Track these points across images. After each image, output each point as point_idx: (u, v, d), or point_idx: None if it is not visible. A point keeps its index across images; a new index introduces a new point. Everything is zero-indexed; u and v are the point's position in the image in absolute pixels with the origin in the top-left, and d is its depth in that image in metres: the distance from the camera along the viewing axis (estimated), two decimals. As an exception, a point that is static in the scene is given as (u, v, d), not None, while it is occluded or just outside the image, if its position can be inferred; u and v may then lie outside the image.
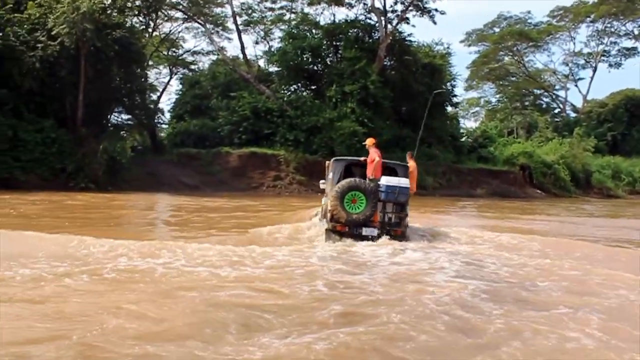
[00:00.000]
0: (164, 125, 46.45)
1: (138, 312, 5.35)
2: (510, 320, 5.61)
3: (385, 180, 10.46)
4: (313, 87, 41.15)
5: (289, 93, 39.33)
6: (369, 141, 11.19)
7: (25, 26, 27.07)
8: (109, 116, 32.87)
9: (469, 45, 61.13)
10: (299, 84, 41.47)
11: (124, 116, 38.69)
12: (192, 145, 36.39)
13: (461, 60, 66.51)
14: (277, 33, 45.32)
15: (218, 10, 42.89)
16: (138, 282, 6.68)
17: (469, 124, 68.29)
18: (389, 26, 38.19)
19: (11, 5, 27.71)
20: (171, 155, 35.02)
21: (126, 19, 29.89)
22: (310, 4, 42.08)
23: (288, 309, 5.72)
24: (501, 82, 64.77)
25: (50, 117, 27.20)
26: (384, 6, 38.00)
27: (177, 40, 47.73)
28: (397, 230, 10.55)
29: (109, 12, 28.38)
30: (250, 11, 44.63)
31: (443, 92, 41.38)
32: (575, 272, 8.53)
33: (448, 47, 44.90)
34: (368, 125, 34.84)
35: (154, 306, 5.58)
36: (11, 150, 25.26)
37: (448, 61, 43.66)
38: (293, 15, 44.17)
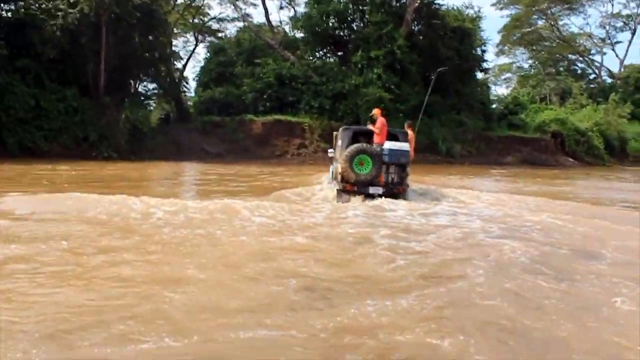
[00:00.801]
0: (190, 94, 46.45)
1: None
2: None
3: (388, 145, 11.82)
4: (339, 53, 40.33)
5: (314, 59, 38.59)
6: (376, 111, 12.87)
7: (47, -6, 26.80)
8: (132, 84, 32.60)
9: (501, 9, 59.02)
10: (325, 50, 40.73)
11: (150, 85, 38.78)
12: (216, 113, 36.05)
13: (492, 25, 64.46)
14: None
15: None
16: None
17: (500, 90, 66.91)
18: (417, -12, 36.95)
19: (34, -26, 27.47)
20: (196, 123, 34.76)
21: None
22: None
23: (365, 279, 5.78)
24: (534, 47, 62.74)
25: (72, 85, 27.00)
26: (411, -32, 36.65)
27: (202, 7, 47.17)
28: (399, 189, 11.93)
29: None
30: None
31: (474, 57, 40.31)
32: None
33: (479, 11, 43.65)
34: (394, 91, 34.10)
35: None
36: (34, 119, 25.20)
37: (478, 25, 42.16)
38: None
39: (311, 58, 38.21)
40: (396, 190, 11.82)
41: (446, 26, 37.87)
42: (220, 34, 48.67)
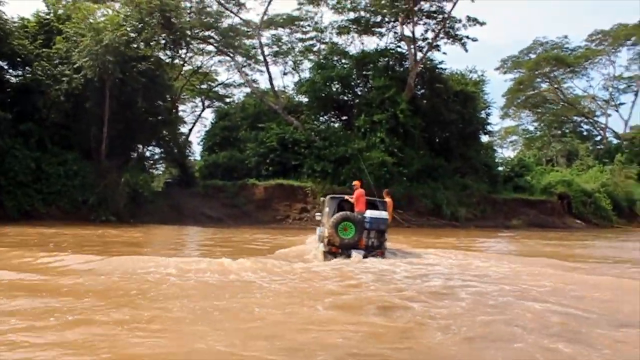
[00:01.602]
0: (197, 158, 46.65)
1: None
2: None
3: (369, 213, 13.22)
4: (343, 118, 40.67)
5: (318, 124, 38.77)
6: (356, 183, 14.10)
7: (54, 60, 27.26)
8: (136, 149, 32.72)
9: (504, 73, 59.72)
10: (329, 115, 41.04)
11: (156, 149, 39.01)
12: (220, 177, 36.01)
13: (497, 89, 65.20)
14: (307, 64, 45.05)
15: (249, 42, 42.94)
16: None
17: (507, 153, 66.73)
18: (419, 54, 37.45)
19: (41, 41, 28.04)
20: (198, 187, 34.69)
21: (153, 52, 29.73)
22: (339, 34, 41.64)
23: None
24: (539, 110, 63.14)
25: (74, 149, 27.13)
26: (413, 34, 37.25)
27: (210, 73, 48.00)
28: (378, 252, 13.20)
29: (135, 45, 28.28)
30: (279, 43, 44.53)
31: (478, 120, 40.38)
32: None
33: (482, 75, 43.87)
34: (398, 155, 34.04)
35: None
36: (34, 182, 25.20)
37: (481, 89, 42.54)
38: (323, 46, 43.88)
39: (315, 123, 38.29)
40: (375, 254, 13.07)
41: (449, 90, 38.16)
42: (228, 99, 49.33)
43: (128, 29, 27.12)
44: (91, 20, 26.19)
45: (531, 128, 67.69)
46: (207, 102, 51.05)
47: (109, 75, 26.18)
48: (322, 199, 16.04)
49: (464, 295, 8.90)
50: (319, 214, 15.55)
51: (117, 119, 28.07)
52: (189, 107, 52.47)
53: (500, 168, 45.34)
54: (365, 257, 12.77)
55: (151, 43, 29.54)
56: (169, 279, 9.52)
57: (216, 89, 49.85)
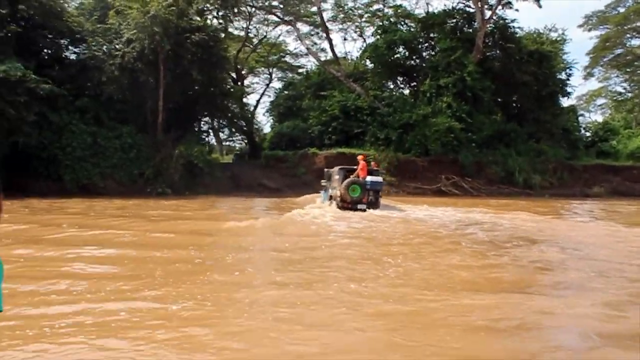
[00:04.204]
0: (266, 129, 46.51)
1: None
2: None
3: (369, 178, 17.69)
4: (412, 84, 39.11)
5: (384, 90, 37.35)
6: (360, 157, 18.59)
7: (109, 36, 27.42)
8: (195, 121, 32.71)
9: (589, 30, 55.18)
10: (395, 81, 39.56)
11: (220, 121, 39.05)
12: (284, 147, 35.56)
13: (581, 48, 60.63)
14: (371, 30, 43.44)
15: (314, 9, 41.82)
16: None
17: (594, 117, 62.63)
18: (488, 12, 35.12)
19: (97, 17, 28.28)
20: (260, 159, 34.44)
21: (206, 22, 29.33)
22: (404, -4, 39.77)
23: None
24: (629, 69, 58.28)
25: (130, 123, 27.30)
26: (481, -9, 34.92)
27: (278, 44, 47.47)
28: (375, 205, 17.67)
29: (187, 16, 27.93)
30: (343, 8, 43.16)
31: (555, 82, 37.64)
32: None
33: (563, 33, 40.80)
34: (466, 120, 32.37)
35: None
36: (91, 157, 25.61)
37: (560, 48, 39.65)
38: (389, 10, 42.11)
39: (381, 90, 36.84)
40: (374, 207, 17.59)
41: (522, 50, 35.62)
42: (300, 70, 48.43)
43: None
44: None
45: (620, 89, 62.95)
46: (280, 74, 50.72)
47: (161, 48, 26.02)
48: (326, 170, 21.27)
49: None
50: (323, 180, 20.56)
51: (172, 91, 28.01)
52: (262, 78, 52.46)
53: (582, 132, 42.34)
54: (367, 209, 17.21)
55: (204, 12, 29.10)
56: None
57: (285, 59, 49.33)
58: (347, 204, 17.31)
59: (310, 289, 7.18)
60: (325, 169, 21.66)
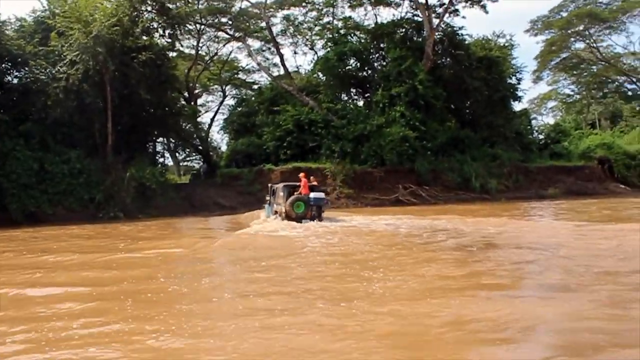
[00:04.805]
0: (224, 147, 45.82)
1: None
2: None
3: (312, 194, 18.84)
4: (366, 95, 39.05)
5: (337, 103, 37.16)
6: (302, 175, 20.04)
7: (51, 58, 26.59)
8: (146, 142, 31.94)
9: (535, 35, 56.17)
10: (348, 93, 39.44)
11: (173, 141, 38.25)
12: (240, 165, 35.00)
13: (529, 53, 61.80)
14: (322, 42, 43.33)
15: (264, 24, 41.51)
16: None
17: (546, 120, 63.71)
18: (436, 20, 35.35)
19: (38, 39, 27.40)
20: (215, 177, 33.79)
21: (152, 41, 28.71)
22: (352, 7, 39.72)
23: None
24: (575, 72, 59.60)
25: (78, 146, 26.47)
26: (426, 1, 35.15)
27: (231, 61, 47.02)
28: (318, 219, 18.76)
29: (133, 36, 27.27)
30: (292, 23, 43.02)
31: (505, 86, 38.09)
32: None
33: (510, 39, 41.39)
34: (420, 129, 32.32)
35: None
36: (38, 183, 24.69)
37: (508, 53, 40.16)
38: (338, 23, 42.12)
39: (334, 102, 36.60)
40: (317, 220, 18.67)
41: (471, 56, 36.00)
42: (255, 86, 47.79)
43: (124, 18, 26.03)
44: (79, 13, 25.21)
45: (569, 92, 64.37)
46: (233, 91, 50.19)
47: (107, 69, 25.32)
48: (269, 185, 22.64)
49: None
50: (267, 196, 21.87)
51: (121, 112, 27.38)
52: (216, 96, 51.87)
53: (534, 135, 42.92)
54: (311, 220, 18.37)
55: (150, 31, 28.52)
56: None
57: (238, 75, 48.89)
58: (291, 220, 18.46)
59: (300, 313, 6.68)
60: (269, 184, 23.01)
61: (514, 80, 39.96)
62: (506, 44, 40.93)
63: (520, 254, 10.96)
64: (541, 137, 43.56)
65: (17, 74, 27.38)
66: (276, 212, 20.16)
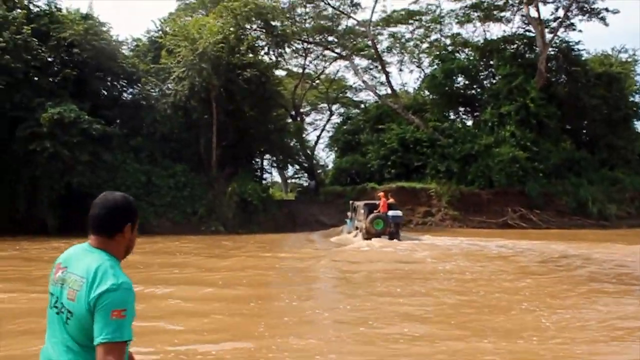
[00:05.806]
0: (330, 165, 45.94)
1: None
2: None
3: (390, 213, 20.31)
4: (471, 113, 37.85)
5: (443, 121, 36.16)
6: (381, 194, 21.83)
7: (161, 75, 27.73)
8: (252, 157, 32.52)
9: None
10: (455, 110, 38.35)
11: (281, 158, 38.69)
12: (345, 182, 34.88)
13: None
14: (427, 60, 42.42)
15: (369, 42, 41.33)
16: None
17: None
18: (549, 36, 33.60)
19: (151, 58, 28.73)
20: (319, 195, 33.81)
21: (257, 58, 29.27)
22: (460, 24, 38.54)
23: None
24: None
25: (184, 161, 27.33)
26: (539, 13, 33.50)
27: (338, 80, 47.19)
28: (396, 236, 20.05)
29: (240, 52, 27.88)
30: (399, 40, 42.47)
31: (628, 105, 35.56)
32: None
33: (634, 54, 38.73)
34: (531, 149, 30.66)
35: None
36: (146, 195, 25.54)
37: (631, 69, 37.57)
38: (445, 40, 41.19)
39: (440, 120, 35.65)
40: (395, 237, 19.91)
41: (588, 73, 33.91)
42: (362, 105, 47.68)
43: (229, 36, 26.68)
44: (187, 31, 26.14)
45: None
46: (342, 109, 50.23)
47: (212, 84, 25.99)
48: (351, 202, 24.28)
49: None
50: (349, 213, 23.62)
51: (226, 128, 27.88)
52: (325, 114, 52.15)
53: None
54: (390, 239, 19.70)
55: (256, 49, 29.08)
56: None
57: (346, 94, 48.90)
58: (371, 236, 19.82)
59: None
60: (351, 201, 24.41)
61: (637, 99, 37.38)
62: (629, 59, 38.42)
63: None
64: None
65: (130, 90, 28.80)
66: (357, 228, 21.62)
